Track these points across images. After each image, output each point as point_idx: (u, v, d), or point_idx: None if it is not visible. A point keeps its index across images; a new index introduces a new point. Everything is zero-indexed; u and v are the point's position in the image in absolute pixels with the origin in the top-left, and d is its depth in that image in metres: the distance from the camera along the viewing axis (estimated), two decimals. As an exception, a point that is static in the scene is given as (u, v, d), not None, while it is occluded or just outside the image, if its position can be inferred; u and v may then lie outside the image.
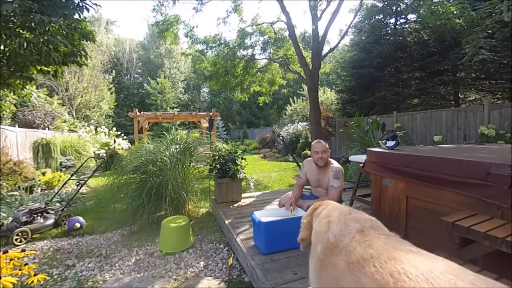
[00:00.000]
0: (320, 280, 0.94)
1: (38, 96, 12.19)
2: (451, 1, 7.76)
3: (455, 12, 7.69)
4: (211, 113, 10.55)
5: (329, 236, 0.93)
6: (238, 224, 3.05)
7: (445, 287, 0.65)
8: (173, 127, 12.02)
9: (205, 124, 10.88)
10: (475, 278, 0.69)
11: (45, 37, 3.61)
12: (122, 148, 9.86)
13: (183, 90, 29.39)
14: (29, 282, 1.41)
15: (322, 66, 8.25)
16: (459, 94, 10.12)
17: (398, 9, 10.50)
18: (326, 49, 8.01)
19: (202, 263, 2.54)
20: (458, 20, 7.55)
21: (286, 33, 8.67)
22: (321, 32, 7.49)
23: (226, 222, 3.13)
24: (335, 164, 2.66)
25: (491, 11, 5.92)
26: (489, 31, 6.38)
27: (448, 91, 10.08)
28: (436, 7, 7.73)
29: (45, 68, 4.52)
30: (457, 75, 9.55)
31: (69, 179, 4.34)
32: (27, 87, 5.36)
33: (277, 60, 9.34)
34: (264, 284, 1.88)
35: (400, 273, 0.72)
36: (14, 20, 3.54)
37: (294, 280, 1.90)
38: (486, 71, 8.05)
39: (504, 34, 6.39)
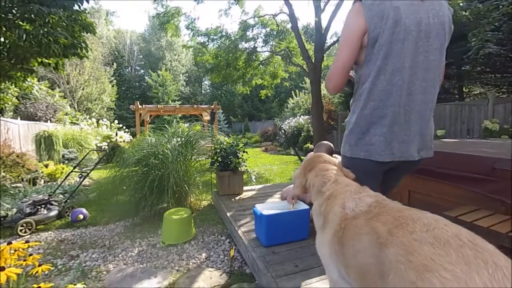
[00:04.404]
0: (343, 253, 0.97)
1: (40, 89, 12.18)
2: (457, -8, 7.59)
3: (461, 4, 7.53)
4: (212, 106, 10.51)
5: (347, 212, 0.99)
6: (239, 216, 3.07)
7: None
8: (175, 120, 12.01)
9: (206, 117, 10.85)
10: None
11: (45, 29, 3.57)
12: (124, 141, 9.88)
13: (184, 83, 29.27)
14: (34, 272, 1.43)
15: (325, 59, 8.13)
16: (464, 88, 9.99)
17: (403, 0, 10.28)
18: (329, 41, 7.89)
19: (204, 255, 2.57)
20: (464, 13, 7.38)
21: (289, 25, 8.54)
22: (324, 24, 7.36)
23: (228, 214, 3.14)
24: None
25: (498, 3, 5.78)
26: (496, 24, 6.24)
27: (452, 84, 9.94)
28: (442, -1, 7.56)
29: (46, 61, 4.49)
30: (462, 68, 9.40)
31: (72, 171, 4.37)
32: (28, 79, 5.35)
33: (279, 53, 9.23)
34: (265, 275, 1.90)
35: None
36: (13, 11, 3.51)
37: (295, 272, 1.92)
38: (492, 64, 7.91)
39: (511, 27, 6.26)
